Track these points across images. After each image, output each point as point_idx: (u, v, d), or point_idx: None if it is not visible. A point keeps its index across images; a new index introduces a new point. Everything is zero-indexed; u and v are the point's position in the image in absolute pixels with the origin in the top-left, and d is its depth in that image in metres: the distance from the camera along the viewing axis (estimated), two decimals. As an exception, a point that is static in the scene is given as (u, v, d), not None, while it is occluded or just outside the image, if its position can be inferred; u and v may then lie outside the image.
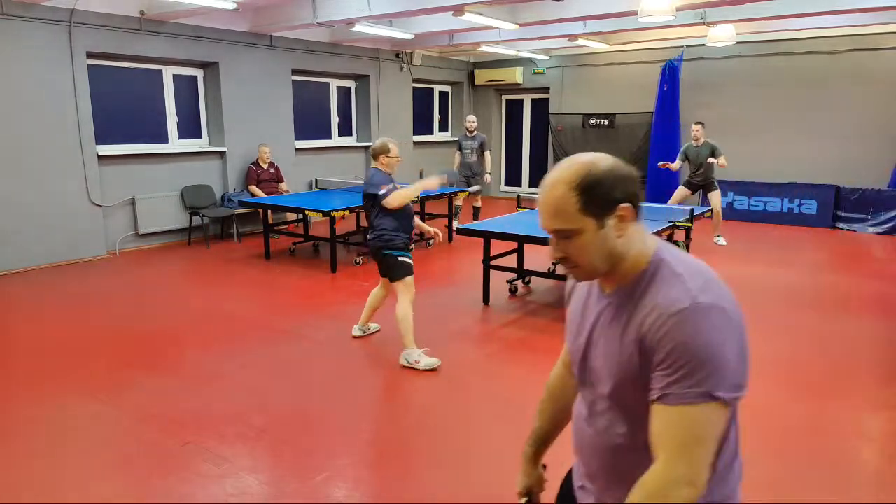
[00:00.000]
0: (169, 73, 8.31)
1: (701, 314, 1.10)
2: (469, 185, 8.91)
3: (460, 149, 9.14)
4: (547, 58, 12.25)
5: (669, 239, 6.07)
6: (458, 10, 6.99)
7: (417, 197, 7.57)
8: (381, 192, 4.19)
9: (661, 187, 11.00)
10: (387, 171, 4.34)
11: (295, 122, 9.70)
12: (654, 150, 10.94)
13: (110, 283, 6.45)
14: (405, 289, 4.25)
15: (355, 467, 3.00)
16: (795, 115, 10.04)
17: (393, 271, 4.26)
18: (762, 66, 10.20)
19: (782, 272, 6.79)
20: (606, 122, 11.70)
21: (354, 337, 4.77)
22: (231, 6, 6.80)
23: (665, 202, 9.77)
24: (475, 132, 8.96)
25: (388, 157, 4.34)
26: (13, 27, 6.52)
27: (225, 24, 8.36)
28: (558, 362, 1.59)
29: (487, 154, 9.02)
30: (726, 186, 10.38)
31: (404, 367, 4.17)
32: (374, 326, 4.89)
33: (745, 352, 1.15)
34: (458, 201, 8.75)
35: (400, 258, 4.24)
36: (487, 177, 9.11)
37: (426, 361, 4.16)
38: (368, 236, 4.39)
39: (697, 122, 8.13)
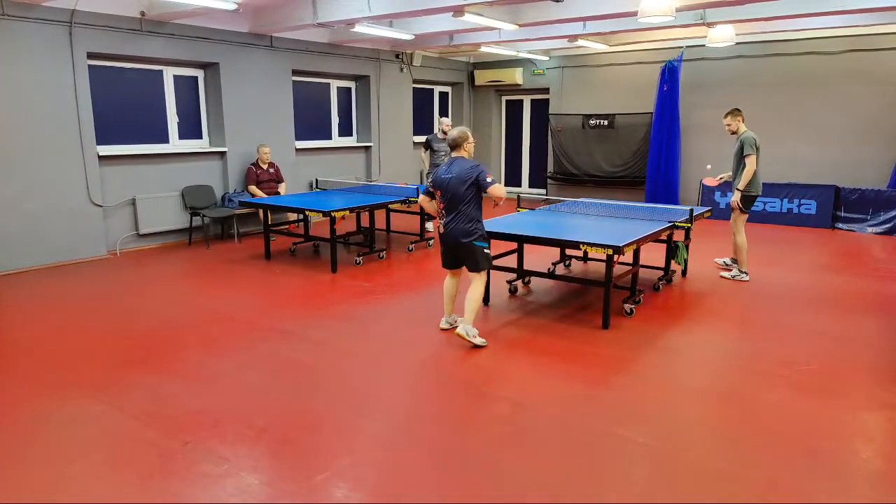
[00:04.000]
0: (169, 73, 8.32)
1: None
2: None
3: (430, 149, 8.81)
4: (547, 58, 12.26)
5: (669, 239, 6.08)
6: (458, 10, 7.00)
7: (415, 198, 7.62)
8: (489, 180, 4.41)
9: (660, 187, 11.01)
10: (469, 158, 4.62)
11: (295, 123, 9.71)
12: (653, 151, 10.95)
13: (111, 283, 6.45)
14: (484, 276, 4.65)
15: (355, 467, 3.01)
16: (795, 116, 10.05)
17: (480, 263, 4.57)
18: (762, 67, 10.21)
19: (782, 272, 6.79)
20: (606, 122, 11.69)
21: (442, 329, 4.91)
22: (231, 7, 6.81)
23: (665, 203, 9.78)
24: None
25: (469, 143, 4.62)
26: (13, 28, 6.53)
27: (225, 25, 8.38)
28: None
29: None
30: (725, 186, 10.39)
31: (460, 336, 4.50)
32: (461, 319, 4.90)
33: None
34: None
35: (486, 250, 4.58)
36: None
37: (479, 340, 4.57)
38: (454, 224, 4.52)
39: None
